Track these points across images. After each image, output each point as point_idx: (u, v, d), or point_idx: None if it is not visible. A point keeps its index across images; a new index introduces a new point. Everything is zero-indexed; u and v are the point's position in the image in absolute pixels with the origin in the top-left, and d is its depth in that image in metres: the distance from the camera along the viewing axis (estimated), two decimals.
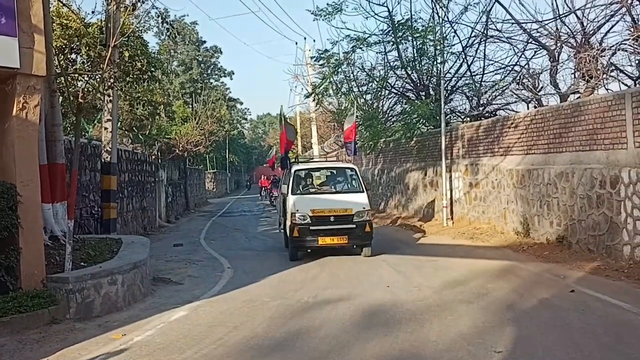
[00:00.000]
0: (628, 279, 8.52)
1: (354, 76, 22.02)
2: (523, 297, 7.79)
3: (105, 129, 14.48)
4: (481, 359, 5.35)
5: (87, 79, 12.00)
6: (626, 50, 14.34)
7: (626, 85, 14.48)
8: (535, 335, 6.03)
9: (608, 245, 9.86)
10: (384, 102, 23.38)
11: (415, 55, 19.84)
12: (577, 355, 5.36)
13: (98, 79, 11.73)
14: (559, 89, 16.11)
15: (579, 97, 14.05)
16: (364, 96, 23.11)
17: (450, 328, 6.42)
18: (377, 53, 22.39)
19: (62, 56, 12.57)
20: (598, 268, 9.41)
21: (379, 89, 21.94)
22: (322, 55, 21.33)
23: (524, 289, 8.33)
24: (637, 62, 14.42)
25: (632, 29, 13.55)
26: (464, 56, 19.15)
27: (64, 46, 13.04)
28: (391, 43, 19.87)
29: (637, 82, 14.30)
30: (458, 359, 5.37)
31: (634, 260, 9.12)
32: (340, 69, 21.02)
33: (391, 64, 20.83)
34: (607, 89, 14.28)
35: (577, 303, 7.36)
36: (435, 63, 19.75)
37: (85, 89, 10.51)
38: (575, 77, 15.44)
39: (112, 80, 10.93)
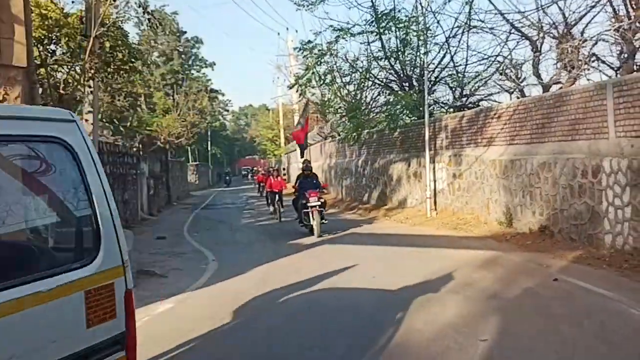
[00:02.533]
0: (610, 267, 8.63)
1: (337, 67, 21.96)
2: (507, 287, 7.86)
3: (86, 120, 14.30)
4: (467, 347, 5.38)
5: (67, 70, 11.82)
6: (607, 41, 14.50)
7: (607, 75, 14.65)
8: (520, 324, 6.09)
9: (590, 234, 9.98)
10: (367, 93, 23.35)
11: (399, 45, 19.85)
12: (560, 341, 5.43)
13: (79, 70, 11.57)
14: (542, 80, 16.26)
15: (561, 88, 14.17)
16: (347, 87, 23.08)
17: (436, 317, 6.45)
18: (360, 44, 22.53)
19: (42, 47, 12.36)
20: (580, 257, 9.52)
21: (362, 79, 21.91)
22: (305, 46, 21.23)
23: (508, 279, 8.40)
24: (618, 52, 14.58)
25: (613, 20, 13.71)
26: (447, 47, 19.22)
27: (43, 37, 12.81)
28: (374, 33, 19.83)
29: (618, 72, 14.45)
30: (444, 347, 5.40)
31: (615, 249, 9.24)
32: (323, 60, 20.95)
33: (374, 54, 20.81)
34: (588, 79, 14.44)
35: (560, 291, 7.45)
36: (418, 54, 19.79)
37: (66, 81, 10.37)
38: (557, 67, 15.60)
39: (92, 71, 10.81)
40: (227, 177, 63.70)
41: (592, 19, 14.75)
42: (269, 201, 21.86)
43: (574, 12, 14.67)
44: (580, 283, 7.82)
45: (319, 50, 20.55)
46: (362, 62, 21.94)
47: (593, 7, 14.18)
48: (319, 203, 14.60)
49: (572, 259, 9.52)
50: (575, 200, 10.39)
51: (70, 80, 10.96)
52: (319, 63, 20.78)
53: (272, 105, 55.40)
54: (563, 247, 10.35)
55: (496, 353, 5.18)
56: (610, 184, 9.42)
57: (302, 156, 17.84)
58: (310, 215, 14.53)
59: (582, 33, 14.86)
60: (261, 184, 32.20)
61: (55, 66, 12.30)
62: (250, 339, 6.01)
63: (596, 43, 14.64)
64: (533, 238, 11.43)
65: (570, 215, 10.56)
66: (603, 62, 14.88)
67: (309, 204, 14.53)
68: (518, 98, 15.90)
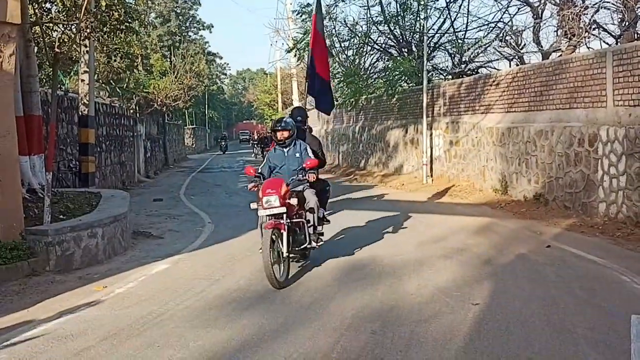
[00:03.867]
0: (603, 235, 8.72)
1: (336, 31, 21.73)
2: (501, 253, 7.94)
3: (82, 81, 14.18)
4: (458, 311, 5.45)
5: (62, 28, 11.64)
6: (609, 9, 14.41)
7: (607, 43, 14.57)
8: (512, 289, 6.17)
9: (584, 203, 10.04)
10: (366, 59, 23.19)
11: (399, 10, 19.63)
12: (552, 307, 5.50)
13: (74, 29, 11.40)
14: (542, 47, 16.16)
15: (561, 55, 14.06)
16: (346, 52, 22.88)
17: (428, 282, 6.53)
18: (359, 7, 22.18)
19: (37, 5, 12.14)
20: (574, 224, 9.60)
21: (361, 44, 21.72)
22: (304, 10, 20.97)
23: (501, 245, 8.48)
24: (619, 20, 14.45)
25: None
26: (447, 12, 19.02)
27: None
28: None
29: (618, 40, 14.34)
30: (435, 311, 5.47)
31: (608, 217, 9.32)
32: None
33: (374, 19, 20.60)
34: (588, 47, 14.33)
35: (553, 258, 7.53)
36: (418, 19, 19.57)
37: (61, 40, 10.23)
38: (557, 35, 15.47)
39: (88, 31, 10.63)
40: (223, 143, 53.01)
41: None
42: None
43: None
44: (572, 250, 7.92)
45: None
46: (361, 26, 21.77)
47: None
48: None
49: (565, 226, 9.60)
50: (571, 168, 10.42)
51: (65, 39, 10.79)
52: None
53: (271, 69, 54.91)
54: (557, 214, 10.42)
55: (487, 316, 5.26)
56: (606, 152, 9.44)
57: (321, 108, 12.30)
58: None
59: (584, 0, 14.69)
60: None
61: (51, 24, 12.11)
62: (246, 299, 6.08)
63: (597, 10, 14.52)
64: (528, 206, 11.50)
65: (566, 184, 10.60)
66: (604, 30, 14.80)
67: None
68: (517, 65, 15.79)
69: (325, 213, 7.79)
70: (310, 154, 7.32)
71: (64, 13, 12.42)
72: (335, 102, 27.55)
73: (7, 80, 7.70)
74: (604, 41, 14.78)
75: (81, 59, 14.11)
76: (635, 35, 13.72)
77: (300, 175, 7.10)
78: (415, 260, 7.67)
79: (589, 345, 4.51)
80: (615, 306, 5.43)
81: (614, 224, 9.03)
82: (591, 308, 5.45)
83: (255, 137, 39.70)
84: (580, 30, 13.69)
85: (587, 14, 14.31)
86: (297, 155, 7.29)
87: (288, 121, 7.44)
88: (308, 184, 7.18)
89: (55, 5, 13.41)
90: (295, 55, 23.63)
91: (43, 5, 12.60)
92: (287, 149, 7.30)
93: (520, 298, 5.81)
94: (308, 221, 7.04)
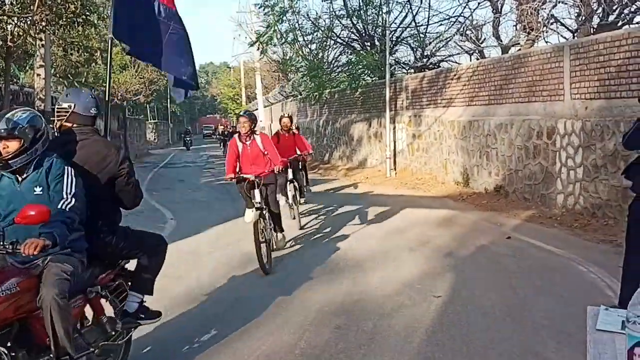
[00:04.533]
0: (561, 226, 8.91)
1: (299, 25, 21.65)
2: (462, 244, 8.04)
3: (38, 75, 13.80)
4: (421, 303, 5.51)
5: (16, 21, 11.31)
6: (566, 3, 14.68)
7: (565, 38, 14.86)
8: (473, 280, 6.26)
9: (543, 194, 10.24)
10: (329, 53, 23.21)
11: (361, 4, 19.67)
12: (512, 297, 5.61)
13: (28, 22, 11.08)
14: (501, 41, 16.38)
15: (520, 50, 14.30)
16: (309, 46, 22.83)
17: (392, 275, 6.57)
18: (322, 1, 22.09)
19: None
20: (533, 216, 9.79)
21: (324, 38, 21.70)
22: (266, 3, 20.80)
23: (463, 237, 8.59)
24: (576, 14, 14.75)
25: None
26: (409, 6, 19.12)
27: None
28: None
29: (575, 34, 14.65)
30: (399, 304, 5.51)
31: (566, 209, 9.52)
32: (285, 18, 20.59)
33: (337, 13, 20.59)
34: (547, 42, 14.60)
35: (513, 249, 7.67)
36: (380, 13, 19.64)
37: (15, 33, 9.93)
38: (517, 29, 15.71)
39: (43, 24, 10.37)
40: (187, 138, 46.14)
41: None
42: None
43: None
44: (532, 241, 8.07)
45: (281, 8, 20.16)
46: (324, 20, 21.70)
47: None
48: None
49: (525, 217, 9.78)
50: (530, 161, 10.61)
51: (20, 33, 10.49)
52: (280, 21, 20.41)
53: (234, 63, 54.50)
54: (517, 206, 10.61)
55: (449, 308, 5.32)
56: (564, 145, 9.63)
57: None
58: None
59: None
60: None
61: (4, 18, 11.75)
62: (208, 295, 6.02)
63: (555, 5, 14.81)
64: (488, 198, 11.68)
65: (525, 176, 10.80)
66: (561, 24, 15.08)
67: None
68: (478, 60, 15.99)
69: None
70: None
71: (18, 5, 12.07)
72: (299, 96, 27.66)
73: None
74: (561, 35, 15.12)
75: (37, 53, 13.73)
76: (592, 29, 14.04)
77: None
78: (379, 252, 7.71)
79: (549, 334, 4.60)
80: (574, 296, 5.55)
81: (572, 215, 9.23)
82: (550, 298, 5.56)
83: (221, 131, 39.35)
84: (539, 25, 13.95)
85: (545, 8, 14.59)
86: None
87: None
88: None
89: None
90: (258, 49, 23.44)
91: None
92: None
93: (481, 289, 5.90)
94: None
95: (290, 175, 10.04)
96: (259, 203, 7.09)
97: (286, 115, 11.77)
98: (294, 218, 9.83)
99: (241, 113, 7.58)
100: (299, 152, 10.89)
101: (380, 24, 19.79)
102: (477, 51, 17.60)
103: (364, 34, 20.43)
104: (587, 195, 9.08)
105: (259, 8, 22.61)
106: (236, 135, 7.63)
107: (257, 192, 7.14)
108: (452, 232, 8.95)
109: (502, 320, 4.98)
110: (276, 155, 7.41)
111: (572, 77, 9.54)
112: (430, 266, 6.91)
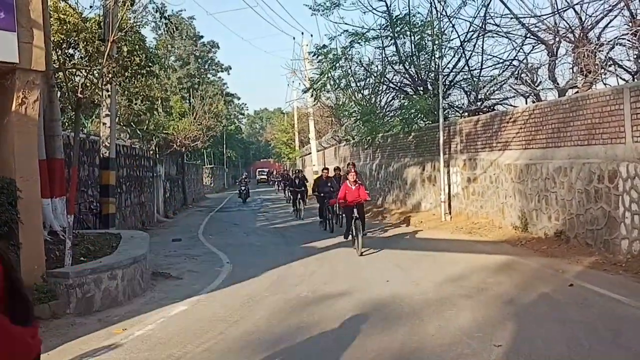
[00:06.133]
0: (626, 273, 8.55)
1: (351, 71, 21.98)
2: (523, 292, 7.82)
3: (104, 124, 14.47)
4: (481, 353, 5.36)
5: (85, 74, 11.97)
6: (624, 45, 14.34)
7: (624, 79, 14.50)
8: (535, 329, 6.06)
9: (606, 240, 9.89)
10: (381, 97, 23.38)
11: (414, 50, 19.83)
12: (577, 349, 5.39)
13: (97, 74, 11.70)
14: (557, 84, 16.12)
15: (577, 92, 14.07)
16: (362, 91, 23.10)
17: (450, 322, 6.44)
18: (375, 48, 22.33)
19: (60, 51, 12.52)
20: (596, 262, 9.44)
21: (376, 84, 21.93)
22: (319, 51, 21.28)
23: (523, 284, 8.35)
24: (635, 56, 14.44)
25: (630, 24, 13.58)
26: (462, 51, 19.13)
27: (61, 41, 12.97)
28: (389, 38, 19.84)
29: (635, 76, 14.32)
30: (458, 354, 5.39)
31: (631, 254, 9.15)
32: (338, 64, 20.97)
33: (389, 58, 20.82)
34: (605, 84, 14.30)
35: (577, 297, 7.39)
36: (433, 58, 19.74)
37: (84, 84, 10.49)
38: (573, 71, 15.46)
39: (110, 75, 10.95)
40: (243, 188, 35.32)
41: (609, 22, 14.56)
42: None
43: (590, 16, 14.56)
44: (596, 289, 7.75)
45: (334, 55, 20.57)
46: (376, 66, 21.98)
47: (610, 10, 14.06)
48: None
49: (588, 264, 9.44)
50: (592, 205, 10.30)
51: (88, 84, 11.08)
52: (333, 67, 20.80)
53: (287, 108, 55.53)
54: (579, 252, 10.26)
55: (510, 358, 5.16)
56: (627, 189, 9.33)
57: None
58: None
59: (599, 37, 14.73)
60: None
61: (74, 70, 12.46)
62: (265, 341, 6.04)
63: (613, 47, 14.50)
64: (548, 243, 11.35)
65: (587, 220, 10.47)
66: (620, 66, 14.74)
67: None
68: (534, 102, 15.80)
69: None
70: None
71: (86, 59, 12.80)
72: (352, 140, 27.86)
73: (31, 126, 7.88)
74: (620, 77, 14.75)
75: (103, 103, 14.44)
76: None
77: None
78: (436, 299, 7.58)
79: None
80: None
81: (638, 262, 8.85)
82: (617, 348, 5.33)
83: (275, 175, 40.17)
84: (596, 67, 13.70)
85: (602, 50, 14.33)
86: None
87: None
88: None
89: (78, 51, 13.83)
90: (312, 95, 23.89)
91: (66, 52, 13.01)
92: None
93: (544, 339, 5.70)
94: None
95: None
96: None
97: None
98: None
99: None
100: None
101: (433, 68, 19.87)
102: (532, 94, 17.37)
103: (416, 79, 20.54)
104: None
105: (313, 56, 23.19)
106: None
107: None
108: (512, 279, 8.72)
109: None
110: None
111: (633, 119, 9.31)
112: (490, 314, 6.74)
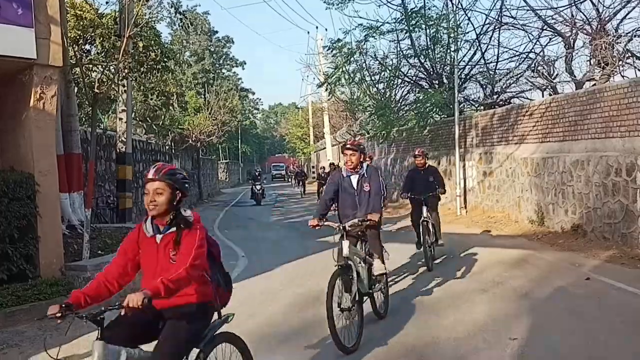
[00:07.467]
0: None
1: (366, 65, 21.91)
2: (539, 285, 7.77)
3: (120, 119, 14.60)
4: (496, 346, 5.35)
5: (102, 69, 12.08)
6: None
7: None
8: (551, 323, 6.03)
9: (623, 233, 9.80)
10: (396, 91, 23.29)
11: (429, 43, 19.71)
12: (593, 343, 5.35)
13: (113, 70, 11.81)
14: (575, 77, 15.99)
15: (595, 85, 13.92)
16: (377, 85, 23.02)
17: (465, 316, 6.43)
18: (389, 42, 22.28)
19: (77, 47, 12.65)
20: (613, 256, 9.35)
21: (391, 77, 21.84)
22: (334, 45, 21.21)
23: (539, 277, 8.31)
24: None
25: None
26: (477, 44, 19.03)
27: (78, 37, 13.12)
28: (404, 31, 19.71)
29: None
30: (473, 347, 5.38)
31: None
32: (352, 58, 20.90)
33: (404, 52, 20.73)
34: (623, 76, 14.15)
35: (593, 291, 7.34)
36: (448, 51, 19.61)
37: (101, 80, 10.59)
38: (590, 64, 15.32)
39: (126, 71, 11.03)
40: (258, 187, 29.95)
41: (627, 14, 14.42)
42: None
43: (607, 8, 14.43)
44: (613, 282, 7.69)
45: (349, 49, 20.50)
46: (391, 60, 21.88)
47: (628, 2, 13.91)
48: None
49: (605, 258, 9.36)
50: (609, 198, 10.21)
51: (104, 80, 11.19)
52: (348, 62, 20.72)
53: (302, 103, 55.57)
54: (596, 246, 10.18)
55: (526, 351, 5.14)
56: None
57: None
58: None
59: (617, 29, 14.58)
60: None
61: (90, 66, 12.59)
62: (280, 333, 6.08)
63: (631, 39, 14.35)
64: (565, 237, 11.27)
65: (604, 214, 10.38)
66: (638, 58, 14.57)
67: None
68: (550, 95, 15.67)
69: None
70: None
71: (103, 54, 12.92)
72: (367, 135, 27.82)
73: (49, 121, 7.98)
74: (638, 69, 14.59)
75: (119, 98, 14.56)
76: None
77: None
78: (451, 293, 7.57)
79: None
80: None
81: None
82: (634, 343, 5.29)
83: (291, 170, 40.44)
84: (614, 59, 13.56)
85: (620, 42, 14.18)
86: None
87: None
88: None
89: (95, 47, 13.98)
90: (326, 90, 23.87)
91: (83, 48, 13.15)
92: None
93: (560, 333, 5.67)
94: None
95: None
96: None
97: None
98: None
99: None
100: None
101: (448, 62, 19.76)
102: (549, 87, 17.23)
103: (431, 72, 20.44)
104: None
105: (327, 50, 23.14)
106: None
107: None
108: (528, 273, 8.67)
109: None
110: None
111: None
112: (506, 308, 6.72)
